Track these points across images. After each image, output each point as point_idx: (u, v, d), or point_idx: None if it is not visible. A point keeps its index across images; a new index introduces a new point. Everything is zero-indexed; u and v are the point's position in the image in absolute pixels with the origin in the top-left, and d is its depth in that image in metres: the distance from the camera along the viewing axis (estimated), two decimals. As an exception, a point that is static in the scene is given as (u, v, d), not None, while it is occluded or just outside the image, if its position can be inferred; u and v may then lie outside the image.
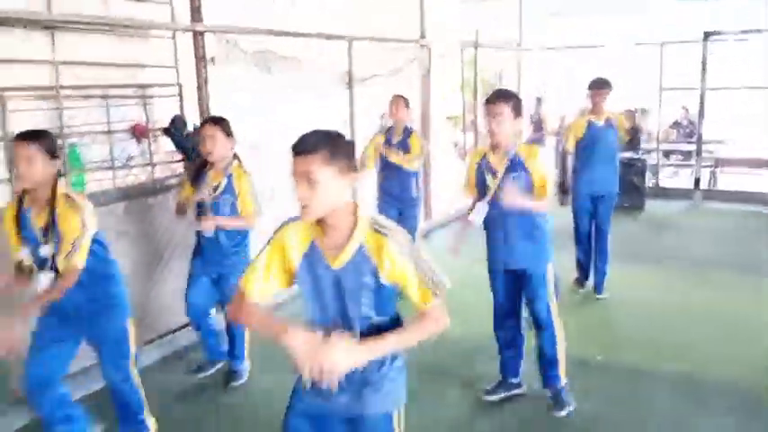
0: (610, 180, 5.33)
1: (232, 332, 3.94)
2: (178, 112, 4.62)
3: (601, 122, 5.25)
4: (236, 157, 3.74)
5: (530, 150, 3.32)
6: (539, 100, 11.21)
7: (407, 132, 5.22)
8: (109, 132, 4.50)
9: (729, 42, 9.69)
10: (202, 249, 3.77)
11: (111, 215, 3.94)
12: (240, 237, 3.72)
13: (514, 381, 3.61)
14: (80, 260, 2.66)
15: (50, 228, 2.70)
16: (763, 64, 10.63)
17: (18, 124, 3.63)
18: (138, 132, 4.72)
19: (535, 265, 3.35)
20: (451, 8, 8.92)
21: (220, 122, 3.65)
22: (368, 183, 5.55)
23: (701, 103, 8.89)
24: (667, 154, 10.88)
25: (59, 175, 2.79)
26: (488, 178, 3.32)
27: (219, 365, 4.05)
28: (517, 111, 3.21)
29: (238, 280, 1.93)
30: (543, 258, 3.37)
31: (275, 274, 1.90)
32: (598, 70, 5.94)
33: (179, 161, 4.73)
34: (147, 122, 4.69)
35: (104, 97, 4.36)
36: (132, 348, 3.00)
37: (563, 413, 3.40)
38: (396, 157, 5.15)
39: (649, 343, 4.33)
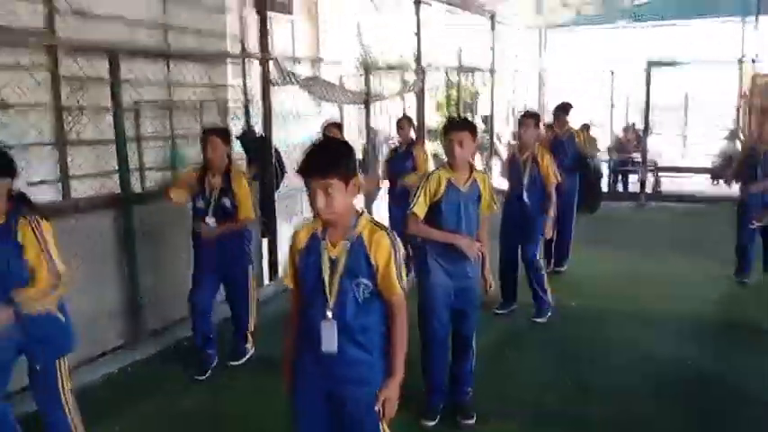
0: (568, 181, 6.20)
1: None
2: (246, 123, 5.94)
3: (563, 136, 6.55)
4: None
5: (540, 149, 5.16)
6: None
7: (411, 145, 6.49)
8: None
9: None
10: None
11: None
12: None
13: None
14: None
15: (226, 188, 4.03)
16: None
17: (144, 128, 4.87)
18: (220, 137, 5.98)
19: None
20: (437, 38, 10.41)
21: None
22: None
23: (646, 120, 10.61)
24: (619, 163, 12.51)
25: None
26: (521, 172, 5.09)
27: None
28: (537, 124, 5.23)
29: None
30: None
31: (429, 199, 3.41)
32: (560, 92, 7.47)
33: (247, 161, 6.01)
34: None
35: (197, 109, 5.64)
36: None
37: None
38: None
39: (609, 296, 5.79)
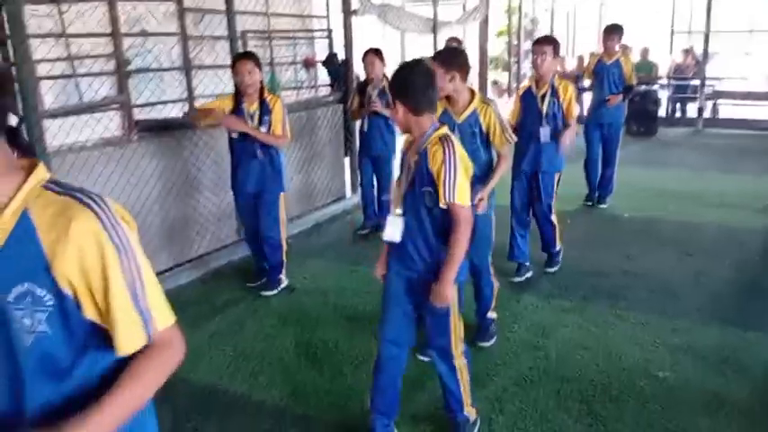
0: (615, 111, 6.17)
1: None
2: (330, 51, 6.60)
3: (609, 61, 6.18)
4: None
5: (561, 81, 4.40)
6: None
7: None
8: (294, 63, 6.50)
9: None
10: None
11: (298, 121, 5.86)
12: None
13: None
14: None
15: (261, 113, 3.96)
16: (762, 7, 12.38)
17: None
18: (309, 64, 6.70)
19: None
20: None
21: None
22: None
23: (706, 45, 10.69)
24: (677, 89, 12.55)
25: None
26: (538, 108, 4.34)
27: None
28: (556, 51, 4.31)
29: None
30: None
31: None
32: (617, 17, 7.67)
33: (330, 85, 6.71)
34: (314, 57, 6.67)
35: (292, 38, 6.33)
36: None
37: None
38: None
39: (660, 207, 6.35)
